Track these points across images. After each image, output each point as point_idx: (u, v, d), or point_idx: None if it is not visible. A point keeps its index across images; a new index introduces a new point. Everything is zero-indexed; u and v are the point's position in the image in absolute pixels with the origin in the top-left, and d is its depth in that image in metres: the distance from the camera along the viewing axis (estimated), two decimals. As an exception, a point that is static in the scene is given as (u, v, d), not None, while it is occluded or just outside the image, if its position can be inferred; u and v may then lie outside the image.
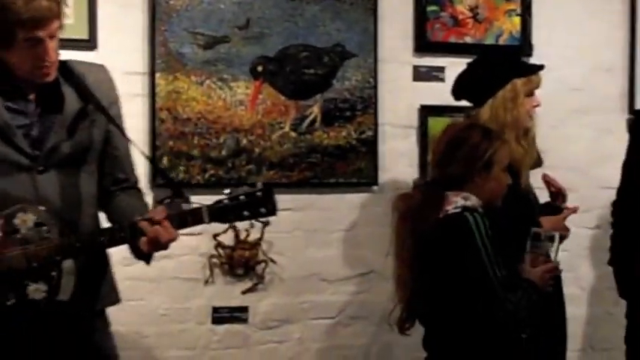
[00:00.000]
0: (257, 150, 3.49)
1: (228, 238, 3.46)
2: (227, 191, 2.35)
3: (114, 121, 2.45)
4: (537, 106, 3.07)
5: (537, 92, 3.08)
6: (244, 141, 3.47)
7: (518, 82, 3.00)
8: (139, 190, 2.59)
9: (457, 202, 2.61)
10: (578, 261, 3.86)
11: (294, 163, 3.54)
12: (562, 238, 2.83)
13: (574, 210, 3.03)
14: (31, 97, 2.39)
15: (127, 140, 2.51)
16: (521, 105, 2.99)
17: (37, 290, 2.27)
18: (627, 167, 3.18)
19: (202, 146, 3.42)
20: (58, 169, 2.37)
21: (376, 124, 3.64)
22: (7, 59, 2.32)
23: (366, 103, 3.61)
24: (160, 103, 3.35)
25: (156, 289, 3.46)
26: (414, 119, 3.70)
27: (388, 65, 3.66)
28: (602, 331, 3.90)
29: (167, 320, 3.46)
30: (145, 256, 2.41)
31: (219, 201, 2.34)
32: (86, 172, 2.44)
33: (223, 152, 3.45)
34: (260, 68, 3.47)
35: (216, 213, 2.32)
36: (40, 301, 2.28)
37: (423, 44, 3.69)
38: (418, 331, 3.61)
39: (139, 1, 3.39)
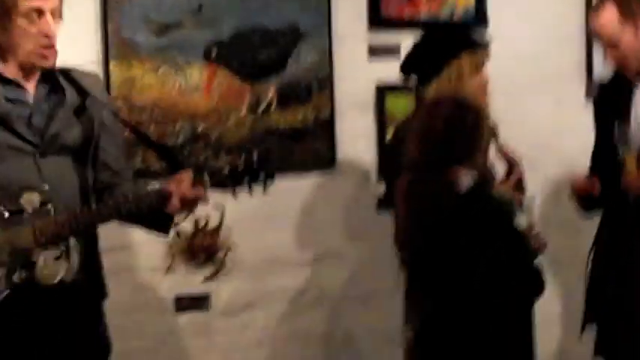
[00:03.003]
0: (214, 135, 3.67)
1: (187, 226, 3.63)
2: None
3: (117, 114, 2.78)
4: (486, 81, 3.24)
5: (493, 64, 3.28)
6: (201, 126, 3.65)
7: (464, 58, 3.19)
8: (136, 182, 2.86)
9: (464, 180, 2.79)
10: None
11: (250, 147, 3.68)
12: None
13: (519, 176, 3.20)
14: (31, 86, 2.62)
15: (122, 135, 2.82)
16: (467, 81, 3.18)
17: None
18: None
19: (159, 134, 3.57)
20: (58, 156, 2.61)
21: (332, 104, 3.83)
22: (8, 42, 2.55)
23: (322, 83, 3.80)
24: (115, 91, 3.50)
25: (116, 280, 3.64)
26: (370, 98, 3.90)
27: (343, 44, 3.84)
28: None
29: (128, 311, 3.59)
30: (165, 225, 2.72)
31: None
32: (84, 163, 2.69)
33: (180, 139, 3.63)
34: (214, 52, 3.64)
35: (234, 174, 2.64)
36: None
37: (378, 21, 3.87)
38: (381, 314, 3.96)
39: (91, -10, 3.52)
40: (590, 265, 3.47)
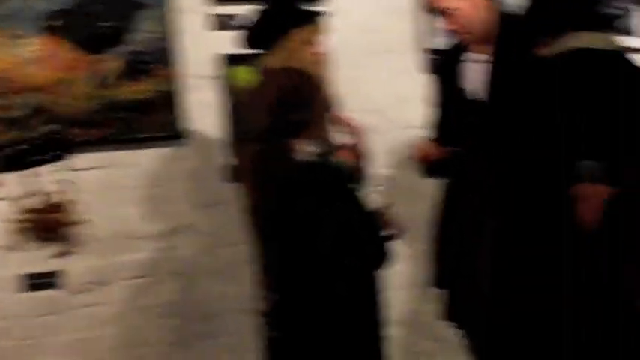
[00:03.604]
0: (56, 108, 3.65)
1: (35, 202, 3.61)
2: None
3: None
4: (321, 53, 3.35)
5: (332, 36, 3.39)
6: (42, 99, 3.62)
7: (299, 31, 3.29)
8: None
9: (306, 150, 2.87)
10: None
11: (95, 120, 3.72)
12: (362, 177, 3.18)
13: (361, 144, 3.29)
14: None
15: None
16: (302, 54, 3.27)
17: None
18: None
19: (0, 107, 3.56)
20: None
21: (177, 76, 3.86)
22: None
23: (165, 55, 3.83)
24: (-50, 63, 3.45)
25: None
26: (213, 69, 3.95)
27: (184, 15, 3.89)
28: (414, 269, 4.27)
29: (-24, 291, 3.56)
30: None
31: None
32: None
33: (20, 112, 3.59)
34: (53, 23, 3.62)
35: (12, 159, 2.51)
36: None
37: (219, -8, 3.92)
38: (235, 284, 4.00)
39: None
40: (433, 230, 3.60)
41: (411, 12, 4.38)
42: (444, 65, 3.61)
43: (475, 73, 3.41)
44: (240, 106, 3.43)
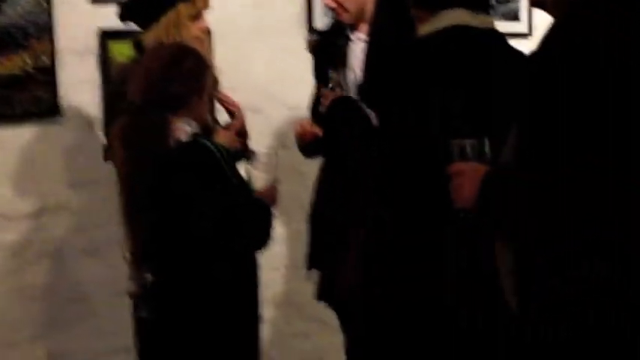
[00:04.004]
0: None
1: None
2: None
3: None
4: (205, 29, 3.29)
5: (217, 14, 3.33)
6: None
7: (182, 6, 3.20)
8: None
9: (183, 128, 2.80)
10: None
11: None
12: (243, 157, 3.17)
13: (241, 123, 3.29)
14: None
15: None
16: (184, 30, 3.20)
17: None
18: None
19: None
20: None
21: (53, 51, 3.74)
22: None
23: (41, 29, 3.69)
24: None
25: None
26: (93, 44, 3.85)
27: (64, -14, 3.75)
28: (294, 249, 4.26)
29: None
30: None
31: None
32: None
33: None
34: None
35: None
36: None
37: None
38: (108, 265, 3.92)
39: None
40: (310, 211, 3.60)
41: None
42: (321, 45, 3.60)
43: (354, 54, 3.41)
44: (119, 83, 3.31)
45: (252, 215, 2.90)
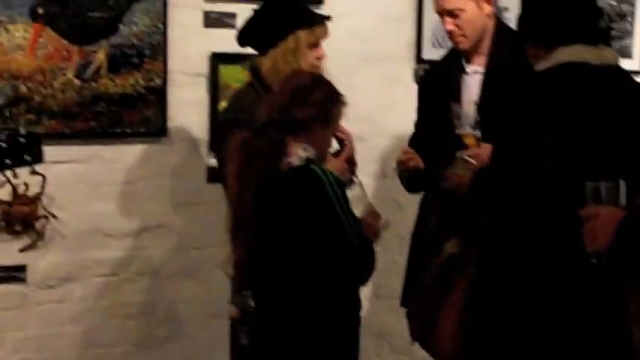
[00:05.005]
0: (37, 98, 3.54)
1: (4, 193, 3.48)
2: None
3: None
4: (322, 58, 3.27)
5: (327, 42, 3.29)
6: (23, 88, 3.51)
7: (301, 34, 3.19)
8: None
9: (298, 152, 2.80)
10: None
11: (77, 112, 3.62)
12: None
13: (350, 152, 3.24)
14: None
15: None
16: (302, 57, 3.19)
17: None
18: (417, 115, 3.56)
19: (-24, 93, 3.42)
20: None
21: (165, 72, 3.77)
22: None
23: (155, 50, 3.73)
24: None
25: None
26: (204, 67, 3.86)
27: (178, 10, 3.78)
28: (387, 280, 4.20)
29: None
30: None
31: None
32: None
33: (0, 101, 3.49)
34: (40, 10, 3.50)
35: None
36: None
37: (214, -12, 3.83)
38: (205, 287, 3.93)
39: None
40: (410, 243, 3.55)
41: (409, 20, 4.31)
42: (433, 79, 3.58)
43: (466, 86, 3.37)
44: (236, 109, 3.30)
45: (362, 260, 2.88)
